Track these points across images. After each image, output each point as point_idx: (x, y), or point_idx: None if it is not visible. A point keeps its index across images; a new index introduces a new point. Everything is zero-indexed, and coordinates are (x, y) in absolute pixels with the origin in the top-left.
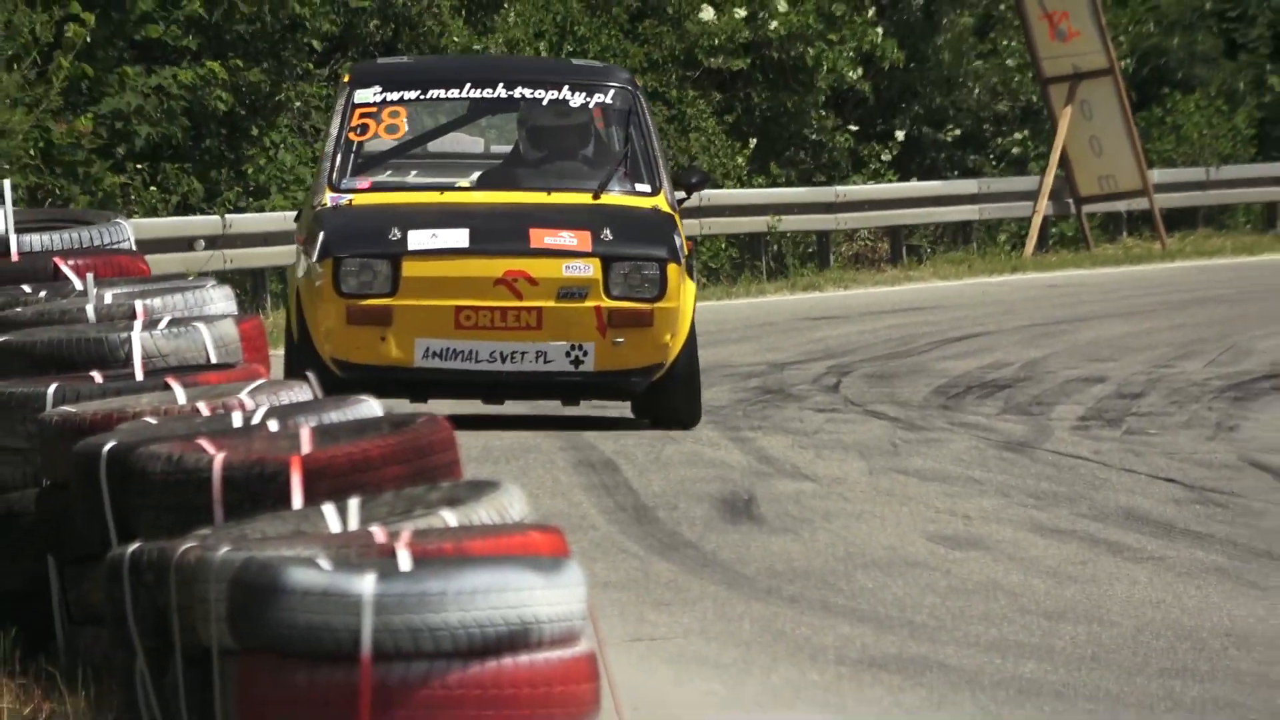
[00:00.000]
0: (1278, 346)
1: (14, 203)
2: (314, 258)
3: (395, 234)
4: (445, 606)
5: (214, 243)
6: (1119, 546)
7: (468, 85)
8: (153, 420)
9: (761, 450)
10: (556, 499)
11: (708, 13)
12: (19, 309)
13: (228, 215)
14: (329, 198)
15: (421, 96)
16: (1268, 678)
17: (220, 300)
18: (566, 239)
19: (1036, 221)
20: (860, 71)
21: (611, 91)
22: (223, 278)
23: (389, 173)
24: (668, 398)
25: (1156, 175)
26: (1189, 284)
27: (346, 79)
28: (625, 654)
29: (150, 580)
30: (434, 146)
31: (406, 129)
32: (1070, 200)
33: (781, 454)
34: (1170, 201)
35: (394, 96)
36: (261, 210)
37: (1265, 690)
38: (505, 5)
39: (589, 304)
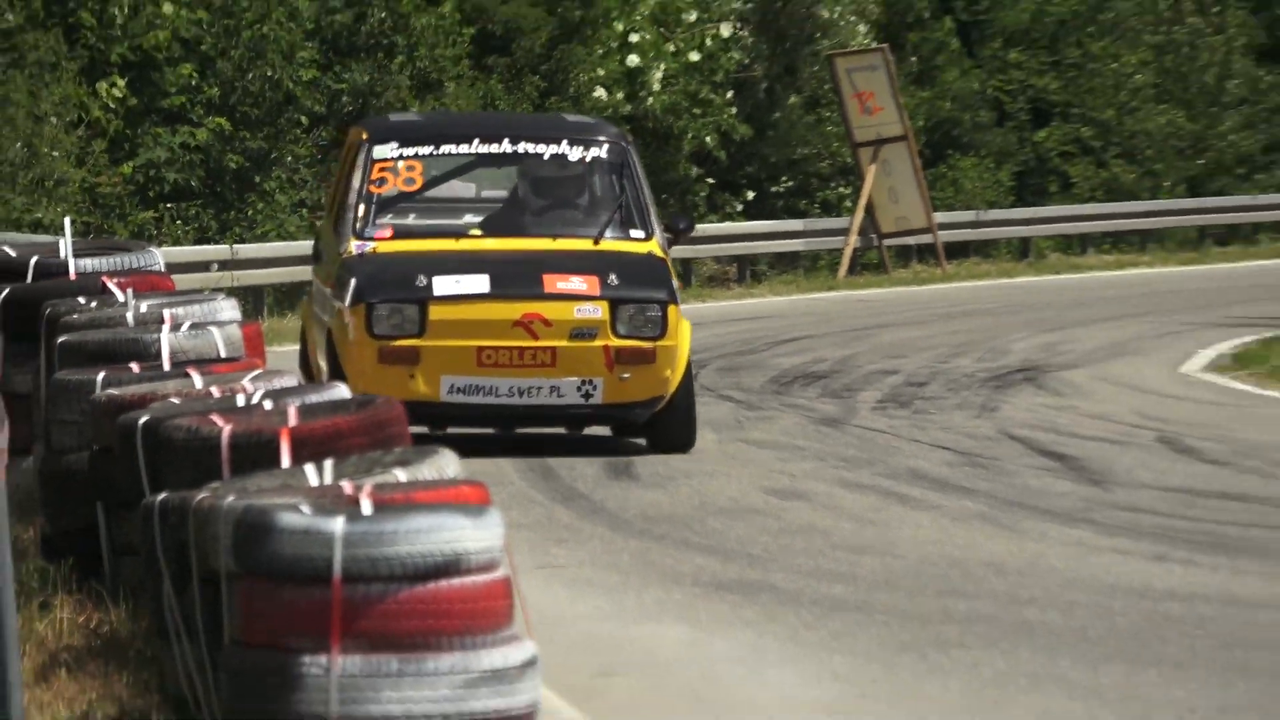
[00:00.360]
0: (1028, 347)
1: (71, 235)
2: (346, 302)
3: (422, 280)
4: (397, 542)
5: (224, 266)
6: (906, 498)
7: (475, 141)
8: (177, 400)
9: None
10: (483, 461)
11: (600, 92)
12: (76, 316)
13: (235, 245)
14: (354, 246)
15: (435, 152)
16: (1017, 596)
17: (228, 310)
18: (577, 284)
19: (848, 252)
20: (718, 138)
21: (606, 146)
22: (231, 293)
23: (391, 215)
24: (666, 426)
25: (939, 217)
26: (962, 300)
27: (365, 136)
28: (533, 579)
29: (174, 521)
30: (433, 192)
31: (423, 182)
32: (874, 235)
33: None
34: (949, 237)
35: (409, 152)
36: (260, 241)
37: (1015, 606)
38: (445, 85)
39: (598, 343)
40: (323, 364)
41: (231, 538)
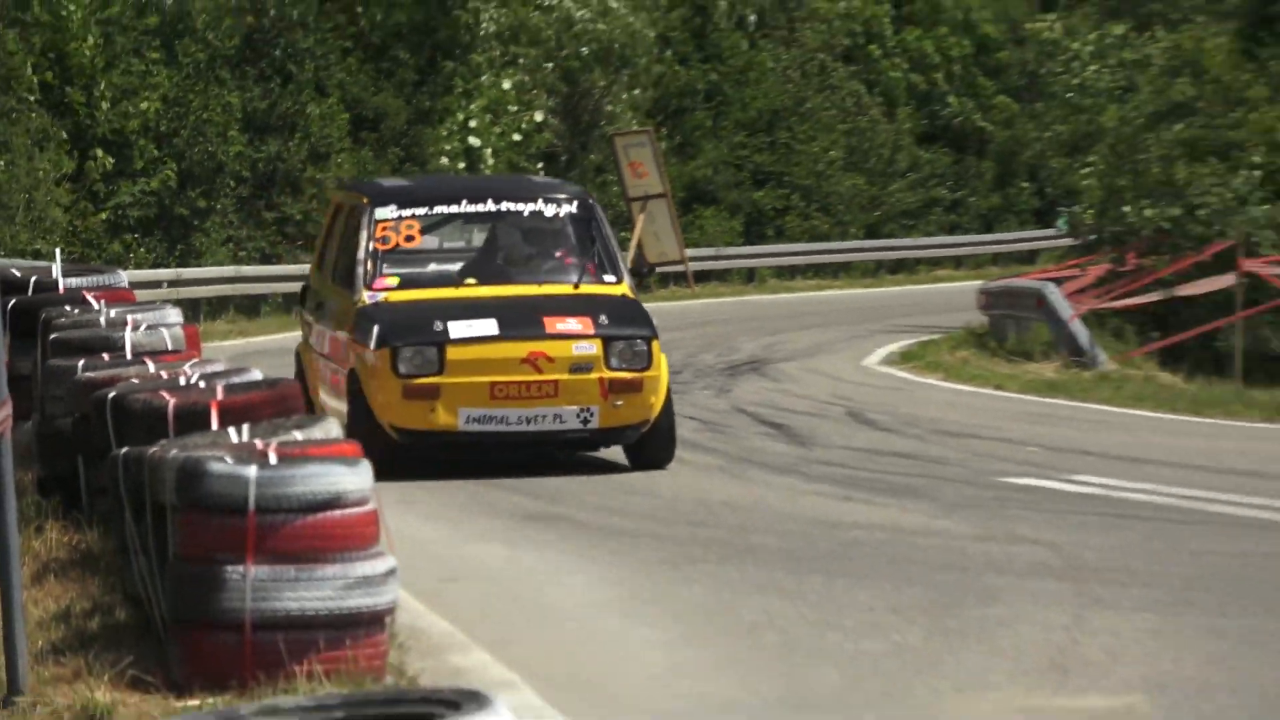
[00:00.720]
0: (754, 346)
1: (60, 261)
2: (371, 346)
3: (439, 325)
4: (295, 484)
5: (172, 284)
6: None
7: (464, 201)
8: (136, 381)
9: None
10: None
11: (444, 161)
12: (63, 319)
13: (180, 268)
14: (367, 296)
15: (429, 212)
16: (745, 526)
17: (174, 316)
18: (573, 324)
19: None
20: None
21: (575, 203)
22: (176, 304)
23: (394, 267)
24: (651, 445)
25: (690, 252)
26: (706, 312)
27: (365, 200)
28: (394, 510)
29: (133, 469)
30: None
31: (421, 239)
32: (642, 265)
33: None
34: (697, 267)
35: (407, 213)
36: (198, 266)
37: (744, 533)
38: (332, 155)
39: (594, 375)
40: (324, 398)
41: (175, 480)
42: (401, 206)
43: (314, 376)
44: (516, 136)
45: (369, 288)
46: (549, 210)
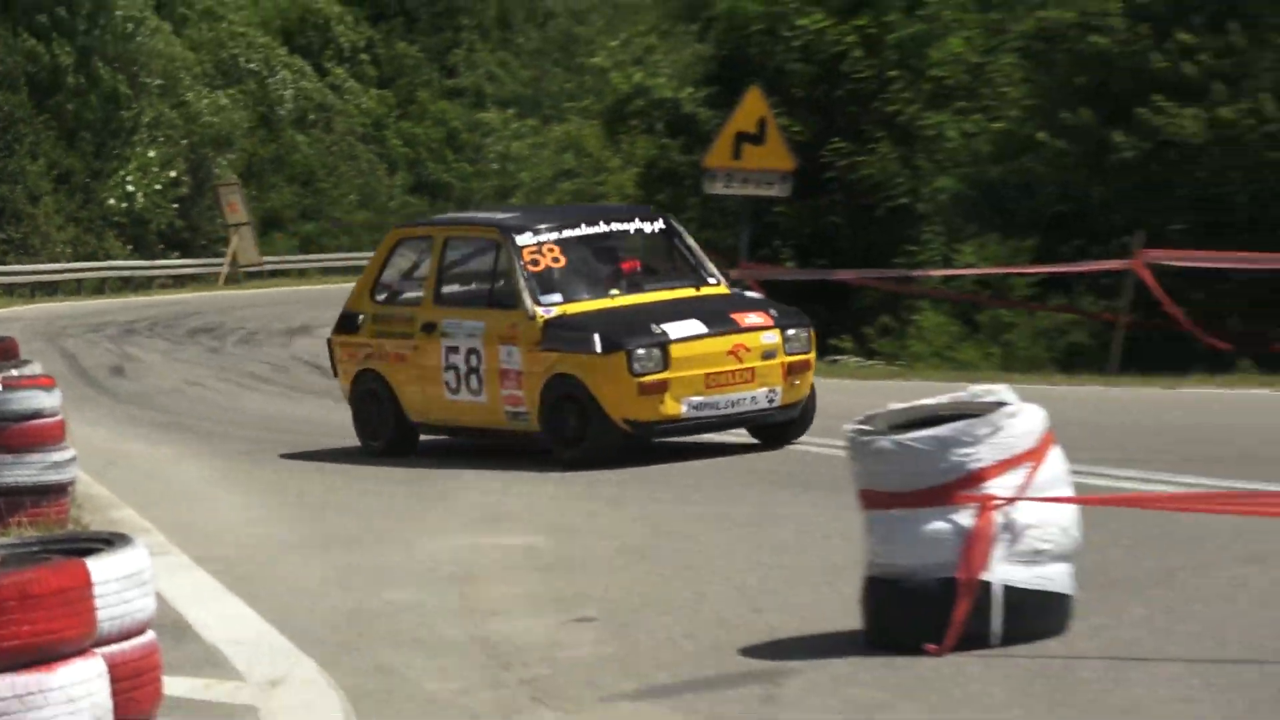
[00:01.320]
0: (304, 318)
1: None
2: (598, 351)
3: (657, 329)
4: (12, 403)
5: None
6: (260, 379)
7: (582, 224)
8: None
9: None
10: (55, 371)
11: (111, 202)
12: None
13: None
14: (540, 310)
15: (560, 236)
16: (310, 434)
17: None
18: (755, 318)
19: (224, 273)
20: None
21: (661, 220)
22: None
23: (543, 284)
24: (798, 420)
25: (267, 258)
26: (280, 297)
27: (495, 233)
28: (76, 421)
29: None
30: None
31: (565, 259)
32: (236, 266)
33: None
34: (272, 267)
35: (543, 239)
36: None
37: (308, 437)
38: (42, 197)
39: (777, 361)
40: (434, 396)
41: None
42: (535, 234)
43: (411, 383)
44: (158, 187)
45: (538, 304)
46: (647, 228)
